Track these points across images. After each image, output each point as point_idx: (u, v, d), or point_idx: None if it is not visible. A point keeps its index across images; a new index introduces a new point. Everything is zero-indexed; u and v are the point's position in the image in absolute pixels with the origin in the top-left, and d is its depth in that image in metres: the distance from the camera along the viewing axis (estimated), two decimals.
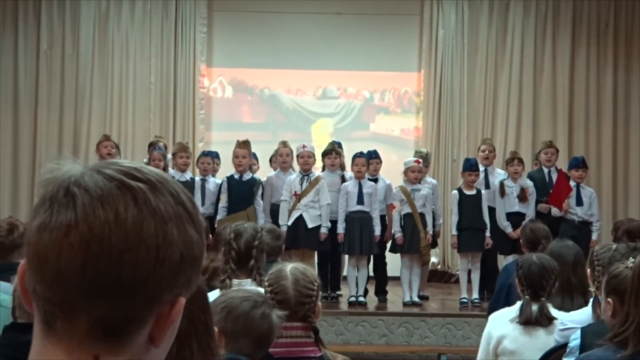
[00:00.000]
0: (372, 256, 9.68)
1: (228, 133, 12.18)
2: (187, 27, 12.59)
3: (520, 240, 6.34)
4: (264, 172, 10.51)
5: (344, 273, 9.82)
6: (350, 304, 9.37)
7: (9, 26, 12.46)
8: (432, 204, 9.72)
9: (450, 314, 9.16)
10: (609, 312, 3.10)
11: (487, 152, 10.24)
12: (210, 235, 7.12)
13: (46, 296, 0.97)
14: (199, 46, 12.65)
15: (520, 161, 9.95)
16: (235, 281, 4.17)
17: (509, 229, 9.55)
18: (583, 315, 3.95)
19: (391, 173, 10.18)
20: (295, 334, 3.05)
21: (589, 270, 4.20)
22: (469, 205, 9.50)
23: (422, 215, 9.44)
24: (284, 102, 13.09)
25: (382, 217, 9.61)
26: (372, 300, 9.68)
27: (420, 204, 9.45)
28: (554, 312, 4.23)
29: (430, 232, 9.54)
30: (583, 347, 3.40)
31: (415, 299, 9.49)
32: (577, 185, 9.83)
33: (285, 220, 9.21)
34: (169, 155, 10.10)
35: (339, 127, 13.02)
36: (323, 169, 9.77)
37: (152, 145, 10.40)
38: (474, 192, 9.55)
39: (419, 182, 9.57)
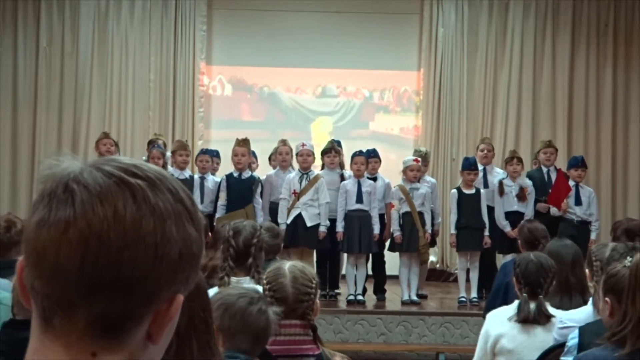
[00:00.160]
0: (370, 255, 9.68)
1: (227, 131, 12.18)
2: (187, 25, 12.59)
3: (518, 241, 6.33)
4: (263, 170, 10.51)
5: (343, 271, 9.82)
6: (349, 302, 9.37)
7: (9, 24, 12.46)
8: (431, 203, 9.72)
9: (449, 313, 9.17)
10: (607, 311, 3.10)
11: (485, 151, 10.24)
12: (210, 234, 7.13)
13: (44, 292, 0.97)
14: (199, 44, 12.65)
15: (520, 160, 9.95)
16: (233, 279, 4.17)
17: (507, 228, 9.56)
18: (582, 314, 3.95)
19: (390, 172, 10.18)
20: (294, 331, 3.06)
21: (587, 270, 4.21)
22: (467, 205, 9.50)
23: (420, 214, 9.44)
24: (284, 100, 13.09)
25: (381, 216, 9.61)
26: (370, 298, 9.68)
27: (419, 202, 9.45)
28: (552, 310, 4.24)
29: (429, 231, 9.54)
30: (581, 346, 3.40)
31: (414, 297, 9.49)
32: (576, 185, 9.83)
33: (284, 219, 9.21)
34: (168, 153, 10.10)
35: (338, 125, 13.02)
36: (322, 168, 9.77)
37: (151, 143, 10.40)
38: (473, 191, 9.55)
39: (418, 181, 9.57)
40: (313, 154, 9.54)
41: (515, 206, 9.73)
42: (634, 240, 6.00)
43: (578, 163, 9.97)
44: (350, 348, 8.18)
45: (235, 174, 9.53)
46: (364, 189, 9.35)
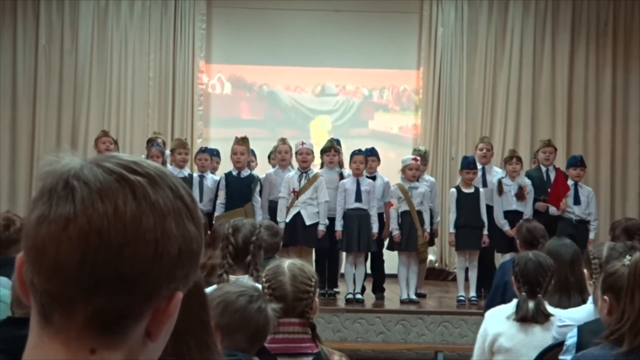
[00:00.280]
0: (369, 254, 9.69)
1: (226, 129, 12.19)
2: (186, 24, 12.59)
3: (517, 240, 6.33)
4: (262, 169, 10.51)
5: (342, 270, 9.82)
6: (348, 301, 9.37)
7: (8, 21, 12.45)
8: (430, 202, 9.72)
9: (448, 312, 9.17)
10: (605, 309, 3.10)
11: (484, 150, 10.24)
12: (209, 232, 7.12)
13: (44, 289, 0.97)
14: (198, 42, 12.65)
15: (519, 160, 9.95)
16: (232, 277, 4.17)
17: (506, 227, 9.56)
18: (582, 313, 3.95)
19: (389, 171, 10.19)
20: (293, 329, 3.06)
21: (585, 270, 4.21)
22: (466, 203, 9.50)
23: (419, 213, 9.44)
24: (283, 99, 13.09)
25: (380, 215, 9.61)
26: (369, 297, 9.68)
27: (418, 201, 9.45)
28: (551, 309, 4.24)
29: (428, 230, 9.55)
30: (580, 345, 3.41)
31: (413, 296, 9.49)
32: (575, 184, 9.83)
33: (284, 217, 9.21)
34: (167, 152, 10.10)
35: (337, 124, 13.02)
36: (321, 166, 9.77)
37: (150, 142, 10.40)
38: (472, 190, 9.55)
39: (417, 180, 9.57)
40: (312, 152, 9.54)
41: (514, 205, 9.74)
42: (633, 239, 6.00)
43: (577, 162, 9.97)
44: (349, 347, 8.18)
45: (234, 173, 9.53)
46: (362, 188, 9.35)
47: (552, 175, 9.99)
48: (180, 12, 12.58)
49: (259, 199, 9.52)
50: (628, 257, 3.05)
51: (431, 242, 10.31)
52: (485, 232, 9.50)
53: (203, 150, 10.33)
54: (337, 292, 9.76)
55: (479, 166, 9.90)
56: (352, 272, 9.43)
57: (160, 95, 12.62)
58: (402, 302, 9.45)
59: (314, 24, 12.89)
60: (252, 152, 10.37)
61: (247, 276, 4.19)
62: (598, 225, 10.09)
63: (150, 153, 9.68)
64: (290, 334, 3.06)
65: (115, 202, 0.96)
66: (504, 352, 4.25)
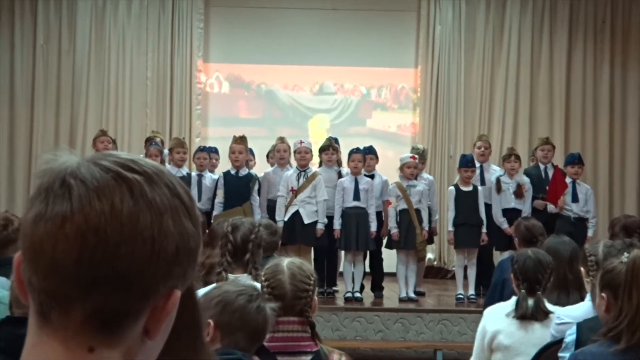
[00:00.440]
0: (368, 252, 9.69)
1: (225, 129, 12.20)
2: (184, 23, 12.59)
3: (515, 238, 6.33)
4: (260, 167, 10.52)
5: (340, 269, 9.83)
6: (347, 299, 9.38)
7: (6, 22, 12.45)
8: (428, 200, 9.73)
9: (446, 310, 9.17)
10: (603, 307, 3.11)
11: (482, 148, 10.25)
12: (207, 231, 7.13)
13: (41, 287, 0.97)
14: (196, 42, 12.65)
15: (517, 158, 9.96)
16: (231, 276, 4.17)
17: (505, 225, 9.57)
18: (580, 310, 3.95)
19: (388, 169, 10.19)
20: (292, 328, 3.06)
21: (582, 267, 4.21)
22: (465, 202, 9.51)
23: (418, 211, 9.45)
24: (281, 97, 13.09)
25: (379, 213, 9.62)
26: (368, 296, 9.69)
27: (416, 200, 9.46)
28: (550, 306, 4.24)
29: (426, 228, 9.55)
30: (579, 343, 3.41)
31: (412, 294, 9.50)
32: (573, 182, 9.83)
33: (282, 216, 9.21)
34: (166, 151, 10.10)
35: (335, 123, 13.02)
36: (320, 165, 9.77)
37: (148, 141, 10.40)
38: (470, 188, 9.56)
39: (415, 178, 9.58)
40: (311, 151, 9.54)
41: (512, 203, 9.75)
42: (632, 236, 6.00)
43: (575, 160, 9.97)
44: (348, 345, 8.18)
45: (233, 172, 9.54)
46: (361, 187, 9.35)
47: (551, 173, 9.99)
48: (178, 11, 12.58)
49: (258, 197, 9.52)
50: (626, 254, 3.05)
51: (430, 240, 10.31)
52: (484, 230, 9.50)
53: (201, 149, 10.33)
54: (336, 291, 9.76)
55: (477, 164, 9.90)
56: (350, 270, 9.43)
57: (158, 95, 12.62)
58: (401, 300, 9.45)
59: (311, 22, 12.89)
60: (251, 151, 10.37)
61: (245, 275, 4.20)
62: (596, 222, 10.09)
63: (148, 152, 9.68)
64: (290, 332, 3.06)
65: (112, 200, 0.96)
66: (503, 350, 4.25)
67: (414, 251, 9.45)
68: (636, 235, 6.45)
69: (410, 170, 9.49)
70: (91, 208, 0.95)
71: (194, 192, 9.59)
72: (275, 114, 13.10)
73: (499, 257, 9.59)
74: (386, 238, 9.66)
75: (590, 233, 9.70)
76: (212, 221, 8.85)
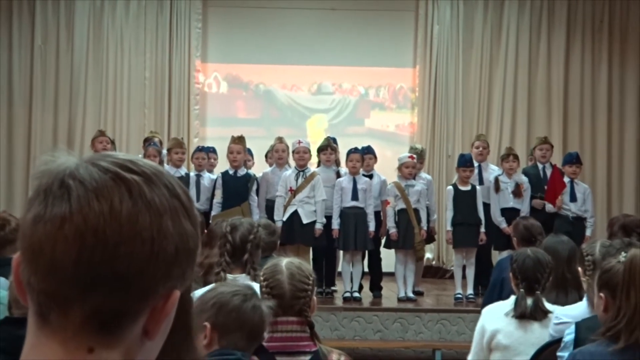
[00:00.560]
0: (366, 252, 9.69)
1: (223, 129, 12.20)
2: (182, 23, 12.58)
3: (513, 238, 6.32)
4: (259, 167, 10.52)
5: (339, 269, 9.83)
6: (345, 299, 9.38)
7: (4, 22, 12.45)
8: (427, 200, 9.73)
9: (445, 310, 9.18)
10: (602, 306, 3.11)
11: (481, 148, 10.25)
12: (205, 231, 7.12)
13: (40, 288, 0.97)
14: (194, 42, 12.65)
15: (516, 157, 9.96)
16: (229, 276, 4.17)
17: (503, 225, 9.57)
18: (578, 309, 3.96)
19: (386, 169, 10.19)
20: (291, 328, 3.06)
21: (579, 267, 4.22)
22: (463, 201, 9.51)
23: (416, 211, 9.45)
24: (279, 97, 13.09)
25: (377, 213, 9.62)
26: (366, 295, 9.69)
27: (415, 199, 9.46)
28: (549, 306, 4.24)
29: (425, 228, 9.55)
30: (577, 342, 3.41)
31: (410, 294, 9.50)
32: (571, 181, 9.84)
33: (281, 216, 9.21)
34: (164, 151, 10.10)
35: (333, 122, 13.02)
36: (318, 165, 9.78)
37: (147, 141, 10.41)
38: (468, 187, 9.56)
39: (413, 178, 9.58)
40: (309, 151, 9.54)
41: (511, 203, 9.75)
42: (630, 236, 6.00)
43: (573, 159, 9.98)
44: (347, 345, 8.18)
45: (231, 172, 9.54)
46: (359, 186, 9.35)
47: (549, 173, 10.00)
48: (176, 11, 12.57)
49: (256, 197, 9.52)
50: (623, 253, 3.06)
51: (430, 240, 10.32)
52: (482, 229, 9.51)
53: (200, 149, 10.33)
54: (335, 291, 9.77)
55: (475, 164, 9.90)
56: (349, 270, 9.43)
57: (157, 95, 12.61)
58: (400, 300, 9.45)
59: (310, 22, 12.89)
60: (249, 151, 10.37)
61: (244, 275, 4.20)
62: (595, 222, 10.09)
63: (147, 152, 9.69)
64: (289, 332, 3.06)
65: (111, 201, 0.96)
66: (501, 349, 4.25)
67: (413, 251, 9.45)
68: (635, 234, 6.45)
69: (408, 170, 9.49)
70: (90, 209, 0.95)
71: (192, 192, 9.59)
72: (274, 114, 13.10)
73: (497, 256, 9.59)
74: (385, 238, 9.66)
75: (588, 232, 9.70)
76: (210, 221, 8.85)
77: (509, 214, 9.50)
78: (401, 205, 9.42)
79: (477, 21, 12.80)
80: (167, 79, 12.60)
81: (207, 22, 12.84)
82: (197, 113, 12.76)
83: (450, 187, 9.76)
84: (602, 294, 3.12)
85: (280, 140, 9.94)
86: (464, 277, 9.64)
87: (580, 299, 4.18)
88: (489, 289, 6.07)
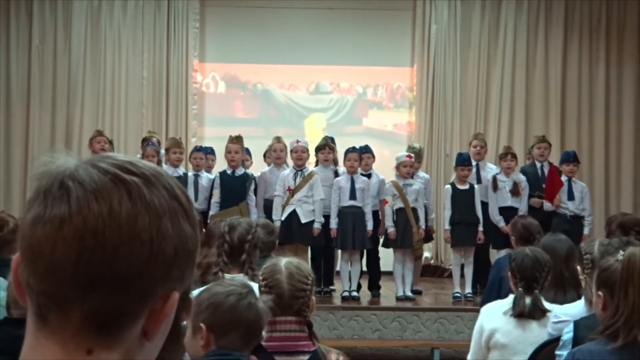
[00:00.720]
0: (365, 251, 9.69)
1: (221, 128, 12.19)
2: (180, 22, 12.58)
3: (511, 236, 6.32)
4: (257, 167, 10.51)
5: (337, 268, 9.83)
6: (344, 298, 9.38)
7: (1, 21, 12.44)
8: (425, 199, 9.73)
9: (444, 309, 9.18)
10: (600, 305, 3.11)
11: (478, 147, 10.25)
12: (204, 231, 7.12)
13: (40, 289, 0.97)
14: (192, 41, 12.64)
15: (514, 156, 9.96)
16: (227, 276, 4.17)
17: (501, 224, 9.57)
18: (577, 308, 3.96)
19: (384, 168, 10.20)
20: (289, 327, 3.06)
21: (578, 267, 4.22)
22: (461, 200, 9.51)
23: (414, 210, 9.45)
24: (277, 97, 13.09)
25: (376, 212, 9.62)
26: (365, 295, 9.69)
27: (413, 198, 9.46)
28: (547, 305, 4.24)
29: (423, 227, 9.55)
30: (576, 340, 3.41)
31: (409, 293, 9.50)
32: (569, 180, 9.84)
33: (279, 216, 9.21)
34: (162, 151, 10.10)
35: (331, 122, 13.02)
36: (316, 164, 9.77)
37: (145, 141, 10.40)
38: (466, 186, 9.56)
39: (411, 177, 9.58)
40: (307, 150, 9.54)
41: (509, 201, 9.75)
42: (628, 234, 6.00)
43: (570, 158, 9.98)
44: (345, 344, 8.19)
45: (229, 171, 9.53)
46: (357, 186, 9.35)
47: (547, 171, 10.00)
48: (174, 11, 12.57)
49: (254, 197, 9.52)
50: (621, 252, 3.06)
51: (428, 239, 10.32)
52: (481, 228, 9.51)
53: (198, 149, 10.32)
54: (333, 290, 9.77)
55: (473, 163, 9.91)
56: (347, 269, 9.43)
57: (154, 95, 12.61)
58: (398, 299, 9.45)
59: (307, 21, 12.89)
60: (247, 151, 10.37)
61: (242, 275, 4.20)
62: (592, 220, 10.09)
63: (145, 152, 9.68)
64: (287, 332, 3.06)
65: (111, 203, 0.96)
66: (500, 348, 4.25)
67: (411, 250, 9.46)
68: (633, 232, 6.45)
69: (406, 169, 9.49)
70: (89, 210, 0.95)
71: (191, 192, 9.59)
72: (272, 113, 13.10)
73: (495, 255, 9.59)
74: (383, 237, 9.66)
75: (586, 231, 9.71)
76: (208, 221, 8.86)
77: (507, 212, 9.49)
78: (399, 204, 9.42)
79: (474, 20, 12.81)
80: (164, 78, 12.59)
81: (205, 22, 12.83)
82: (195, 113, 12.75)
83: (448, 186, 9.77)
84: (600, 293, 3.12)
85: (278, 139, 9.94)
86: (462, 276, 9.64)
87: (579, 298, 4.19)
88: (487, 287, 6.07)
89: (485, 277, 7.47)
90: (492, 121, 12.74)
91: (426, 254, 11.47)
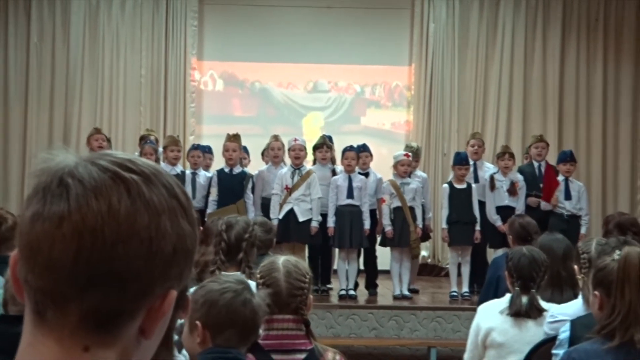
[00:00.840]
0: (362, 250, 9.69)
1: (219, 126, 12.18)
2: (178, 20, 12.57)
3: (509, 236, 6.33)
4: (255, 165, 10.51)
5: (335, 267, 9.83)
6: (341, 297, 9.38)
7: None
8: (422, 198, 9.74)
9: (440, 307, 9.18)
10: (596, 304, 3.12)
11: (476, 147, 10.25)
12: (201, 229, 7.12)
13: (37, 286, 0.97)
14: (190, 39, 12.64)
15: (511, 156, 9.97)
16: (224, 274, 4.17)
17: (498, 223, 9.58)
18: (574, 308, 3.97)
19: (382, 167, 10.19)
20: (287, 326, 3.06)
21: (576, 266, 4.22)
22: (459, 199, 9.51)
23: (411, 208, 9.45)
24: (275, 95, 13.09)
25: (373, 211, 9.62)
26: (362, 293, 9.69)
27: (410, 197, 9.46)
28: (544, 304, 4.25)
29: (420, 226, 9.55)
30: (572, 340, 3.42)
31: (406, 292, 9.50)
32: (566, 180, 9.85)
33: (277, 214, 9.21)
34: (160, 149, 10.09)
35: (329, 120, 13.02)
36: (314, 163, 9.78)
37: (143, 139, 10.39)
38: (464, 185, 9.57)
39: (409, 176, 9.58)
40: (305, 149, 9.54)
41: (506, 201, 9.76)
42: (626, 234, 6.01)
43: (567, 157, 9.99)
44: (342, 343, 8.20)
45: (226, 170, 9.53)
46: (354, 184, 9.35)
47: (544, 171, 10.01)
48: (172, 9, 12.56)
49: (251, 195, 9.52)
50: (617, 252, 3.07)
51: (425, 238, 10.31)
52: (478, 227, 9.52)
53: (195, 147, 10.31)
54: (330, 289, 9.77)
55: (471, 162, 9.91)
56: (344, 268, 9.44)
57: (153, 93, 12.60)
58: (395, 298, 9.46)
59: (305, 20, 12.89)
60: (245, 149, 10.36)
61: (239, 273, 4.20)
62: (589, 220, 10.11)
63: (143, 150, 9.68)
64: (284, 330, 3.06)
65: (110, 200, 0.96)
66: (496, 347, 4.25)
67: (408, 249, 9.46)
68: (630, 232, 6.46)
69: (404, 168, 9.49)
70: (88, 208, 0.95)
71: (188, 189, 9.58)
72: (270, 111, 13.10)
73: (492, 254, 9.60)
74: (380, 236, 9.66)
75: (583, 230, 9.71)
76: (205, 219, 8.85)
77: (504, 212, 9.50)
78: (397, 203, 9.43)
79: (472, 19, 12.81)
80: (163, 76, 12.59)
81: (203, 20, 12.83)
82: (193, 111, 12.75)
83: (445, 185, 9.77)
84: (596, 292, 3.12)
85: (275, 138, 9.93)
86: (459, 275, 9.64)
87: (576, 297, 4.19)
88: (484, 287, 6.07)
89: (482, 276, 7.48)
90: (489, 120, 12.75)
91: (423, 253, 11.48)
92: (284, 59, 12.85)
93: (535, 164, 10.19)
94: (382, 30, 12.88)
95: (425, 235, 10.13)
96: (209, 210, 9.31)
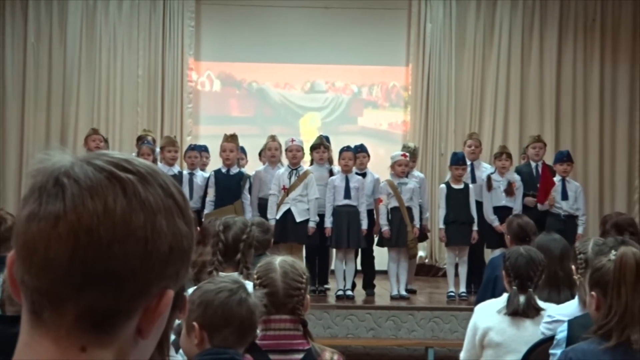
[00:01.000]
0: (360, 250, 9.69)
1: (216, 127, 12.18)
2: (175, 21, 12.57)
3: (507, 236, 6.33)
4: (252, 166, 10.50)
5: (332, 267, 9.83)
6: (338, 297, 9.38)
7: None
8: (419, 198, 9.74)
9: (438, 308, 9.18)
10: (593, 305, 3.12)
11: (473, 147, 10.26)
12: (198, 228, 7.11)
13: (34, 286, 0.97)
14: (187, 40, 12.63)
15: (509, 156, 9.97)
16: (222, 274, 4.17)
17: (495, 223, 9.58)
18: (571, 308, 3.97)
19: (379, 167, 10.20)
20: (284, 326, 3.06)
21: (573, 266, 4.23)
22: (456, 199, 9.52)
23: (409, 209, 9.45)
24: (272, 96, 13.09)
25: (370, 211, 9.62)
26: (359, 293, 9.69)
27: (407, 197, 9.46)
28: (542, 303, 4.25)
29: (418, 226, 9.56)
30: (570, 339, 3.42)
31: (403, 292, 9.50)
32: (563, 180, 9.85)
33: (274, 214, 9.21)
34: (157, 149, 10.09)
35: (326, 121, 13.02)
36: (311, 163, 9.77)
37: (140, 139, 10.39)
38: (461, 186, 9.57)
39: (406, 176, 9.58)
40: (302, 149, 9.53)
41: (503, 201, 9.76)
42: (623, 234, 6.01)
43: (563, 157, 9.99)
44: (340, 343, 8.19)
45: (224, 170, 9.53)
46: (351, 185, 9.36)
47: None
48: (169, 9, 12.56)
49: (249, 196, 9.51)
50: (613, 252, 3.07)
51: (422, 238, 10.32)
52: (475, 227, 9.52)
53: (192, 147, 10.31)
54: (328, 289, 9.77)
55: (468, 162, 9.91)
56: (342, 268, 9.43)
57: (150, 93, 12.60)
58: (393, 298, 9.46)
59: (303, 20, 12.89)
60: (242, 150, 10.36)
61: (236, 274, 4.20)
62: (586, 220, 10.11)
63: (140, 151, 9.67)
64: (282, 330, 3.06)
65: (105, 200, 0.96)
66: (494, 347, 4.25)
67: (406, 249, 9.46)
68: (627, 232, 6.47)
69: (401, 168, 9.50)
70: (84, 207, 0.95)
71: (185, 190, 9.58)
72: (267, 112, 13.10)
73: (489, 254, 9.60)
74: (377, 236, 9.67)
75: (580, 230, 9.72)
76: (202, 219, 8.85)
77: (502, 212, 9.51)
78: (394, 203, 9.43)
79: (469, 20, 12.82)
80: (160, 77, 12.58)
81: (200, 20, 12.83)
82: (190, 111, 12.75)
83: (443, 186, 9.77)
84: (593, 293, 3.13)
85: (272, 138, 9.93)
86: (456, 275, 9.64)
87: (573, 297, 4.19)
88: (482, 287, 6.07)
89: (480, 276, 7.48)
90: (486, 120, 12.76)
91: (421, 253, 11.48)
92: (281, 60, 12.85)
93: (533, 164, 10.19)
94: (379, 31, 12.89)
95: (423, 236, 10.14)
96: (206, 211, 9.31)
